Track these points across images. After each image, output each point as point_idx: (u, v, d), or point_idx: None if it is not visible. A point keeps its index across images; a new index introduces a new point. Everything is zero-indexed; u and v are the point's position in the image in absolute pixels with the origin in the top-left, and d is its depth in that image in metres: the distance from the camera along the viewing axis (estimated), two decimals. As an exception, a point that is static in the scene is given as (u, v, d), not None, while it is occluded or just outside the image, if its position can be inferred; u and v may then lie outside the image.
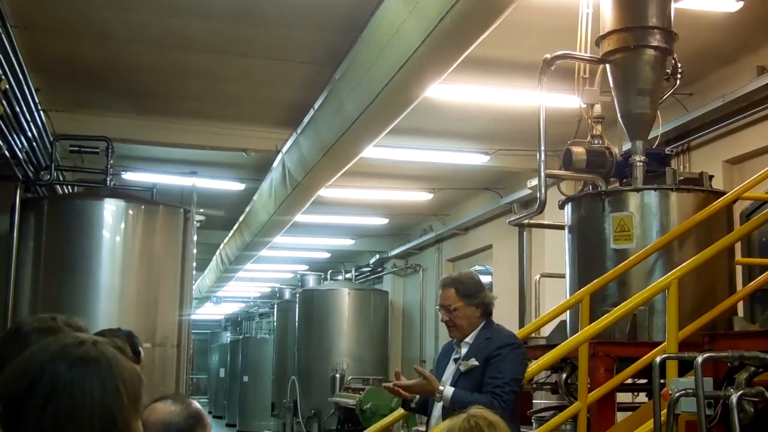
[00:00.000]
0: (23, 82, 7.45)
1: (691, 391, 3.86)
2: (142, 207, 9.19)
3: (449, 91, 8.63)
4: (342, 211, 15.61)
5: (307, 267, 22.24)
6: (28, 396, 1.59)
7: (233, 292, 26.74)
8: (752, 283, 6.26)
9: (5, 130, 7.39)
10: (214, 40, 8.17)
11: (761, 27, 7.15)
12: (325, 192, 11.49)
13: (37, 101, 8.30)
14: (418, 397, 4.67)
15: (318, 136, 9.28)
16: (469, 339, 4.57)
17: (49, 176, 9.24)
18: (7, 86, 6.92)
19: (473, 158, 11.57)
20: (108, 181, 9.34)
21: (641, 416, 5.28)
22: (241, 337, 27.39)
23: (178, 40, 8.14)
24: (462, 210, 15.30)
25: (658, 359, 4.28)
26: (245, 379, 23.58)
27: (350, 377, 14.99)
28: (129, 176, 11.58)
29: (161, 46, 8.33)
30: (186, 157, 11.95)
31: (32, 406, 1.58)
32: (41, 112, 8.66)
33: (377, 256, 19.72)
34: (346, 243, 19.41)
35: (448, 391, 4.38)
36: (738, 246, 6.99)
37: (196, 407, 2.77)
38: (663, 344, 5.15)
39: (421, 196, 14.36)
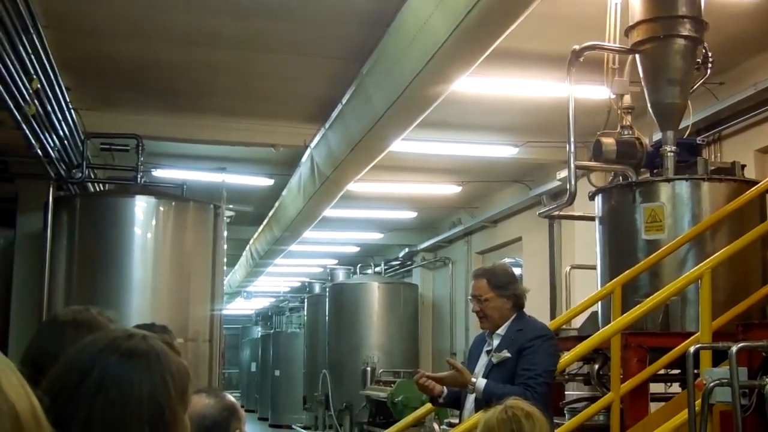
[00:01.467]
0: (54, 82, 7.53)
1: (726, 380, 3.85)
2: (173, 203, 9.27)
3: (477, 84, 8.61)
4: (370, 205, 15.63)
5: (336, 261, 22.30)
6: (78, 387, 1.63)
7: (263, 287, 26.85)
8: (786, 272, 6.23)
9: (37, 129, 7.48)
10: (241, 37, 8.21)
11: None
12: (353, 186, 11.51)
13: (68, 100, 8.39)
14: (446, 391, 4.67)
15: (346, 130, 9.31)
16: (501, 331, 4.59)
17: (80, 174, 9.35)
18: (39, 86, 7.00)
19: (502, 150, 11.55)
20: (139, 178, 9.42)
21: (675, 406, 5.27)
22: (272, 331, 27.50)
23: (206, 37, 8.19)
24: (491, 202, 15.27)
25: (692, 349, 4.27)
26: (276, 373, 23.68)
27: (381, 370, 15.02)
28: (159, 173, 11.66)
29: (190, 44, 8.38)
30: (215, 154, 12.02)
31: (83, 396, 1.62)
32: (72, 111, 8.75)
33: (406, 250, 19.72)
34: (375, 237, 19.43)
35: (481, 382, 4.40)
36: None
37: (230, 400, 2.81)
38: (696, 334, 5.14)
39: (449, 189, 14.34)
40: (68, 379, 1.66)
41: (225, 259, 9.98)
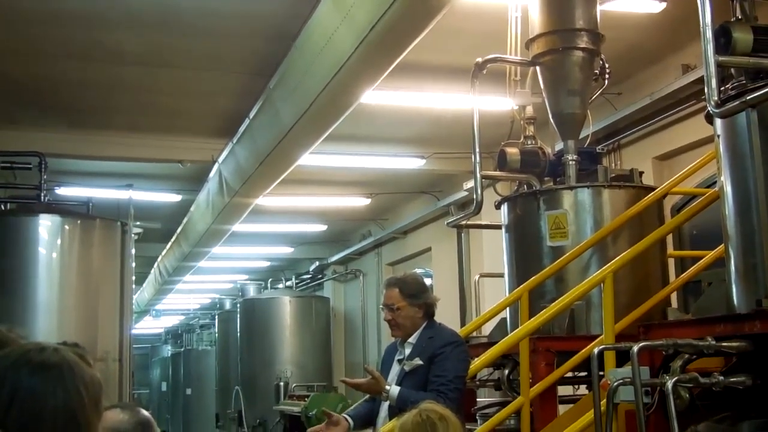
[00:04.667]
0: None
1: (629, 380, 3.96)
2: (78, 222, 9.06)
3: (383, 96, 8.69)
4: (280, 219, 15.58)
5: (246, 276, 22.10)
6: None
7: (173, 304, 26.44)
8: (684, 274, 6.46)
9: (-66, 148, 7.25)
10: (144, 52, 8.12)
11: (684, 26, 7.34)
12: (262, 200, 11.47)
13: (-35, 118, 8.16)
14: (351, 424, 4.60)
15: (254, 145, 9.28)
16: (412, 339, 4.64)
17: (-20, 194, 9.08)
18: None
19: (409, 162, 11.66)
20: (42, 197, 9.18)
21: (582, 408, 5.39)
22: (182, 349, 27.07)
23: (108, 53, 8.07)
24: (400, 214, 15.39)
25: (595, 350, 4.39)
26: (188, 391, 23.31)
27: (294, 385, 14.94)
28: (63, 191, 11.40)
29: (91, 60, 8.25)
30: (121, 170, 11.83)
31: None
32: (-30, 129, 8.51)
33: (317, 263, 19.70)
34: (286, 251, 19.36)
35: (395, 390, 4.44)
36: (670, 239, 7.19)
37: (145, 415, 2.79)
38: (601, 337, 5.29)
39: (358, 202, 14.41)
40: None
41: (133, 277, 9.81)
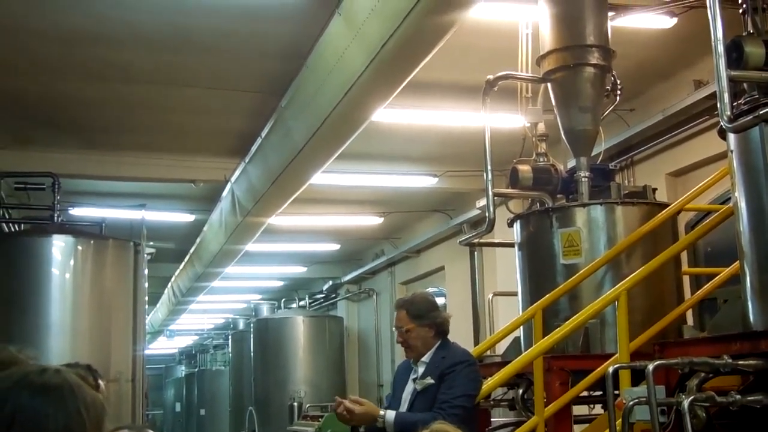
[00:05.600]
0: (-36, 120, 7.36)
1: (644, 399, 3.91)
2: (91, 242, 9.07)
3: (395, 114, 8.69)
4: (293, 238, 15.58)
5: (260, 296, 22.11)
6: None
7: (186, 324, 26.45)
8: (699, 291, 6.39)
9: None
10: (157, 72, 8.15)
11: (695, 41, 7.33)
12: (275, 220, 11.47)
13: (-21, 139, 8.20)
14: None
15: (266, 164, 9.28)
16: (425, 358, 4.60)
17: (-6, 214, 9.12)
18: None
19: (421, 181, 11.65)
20: (55, 217, 9.20)
21: (597, 428, 5.35)
22: (196, 370, 27.06)
23: (121, 72, 8.11)
24: (413, 233, 15.37)
25: (610, 369, 4.34)
26: (202, 412, 23.29)
27: (308, 405, 14.88)
28: (77, 212, 11.44)
29: (105, 80, 8.29)
30: (134, 191, 11.86)
31: None
32: (-16, 150, 8.55)
33: (330, 283, 19.68)
34: (299, 270, 19.35)
35: (390, 415, 4.38)
36: (684, 256, 7.14)
37: None
38: (615, 355, 5.23)
39: (371, 221, 14.39)
40: None
41: (146, 298, 9.80)
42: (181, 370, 32.10)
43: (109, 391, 8.59)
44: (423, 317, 4.59)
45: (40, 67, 7.95)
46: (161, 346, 30.73)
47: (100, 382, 3.27)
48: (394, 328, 4.73)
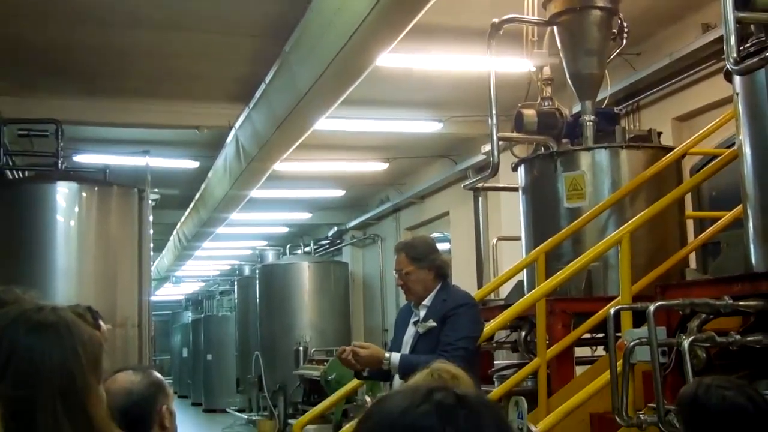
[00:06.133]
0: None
1: (645, 340, 3.96)
2: (96, 188, 9.11)
3: (399, 59, 8.64)
4: (298, 184, 15.59)
5: (265, 242, 22.19)
6: None
7: (192, 271, 26.60)
8: (702, 235, 6.43)
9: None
10: (160, 17, 8.09)
11: (704, -16, 7.27)
12: (280, 166, 11.47)
13: (-19, 85, 8.19)
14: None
15: (270, 110, 9.26)
16: (426, 302, 4.62)
17: (-2, 161, 9.15)
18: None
19: (427, 126, 11.62)
20: (59, 164, 9.23)
21: (599, 369, 5.41)
22: (202, 316, 27.28)
23: (123, 17, 8.05)
24: (418, 178, 15.37)
25: (612, 311, 4.39)
26: (209, 357, 23.51)
27: (314, 349, 15.03)
28: (81, 158, 11.44)
29: (107, 25, 8.23)
30: (138, 137, 11.83)
31: None
32: (-13, 97, 8.55)
33: (335, 229, 19.73)
34: (304, 216, 19.39)
35: (395, 357, 4.42)
36: (689, 200, 7.16)
37: (156, 376, 2.83)
38: (617, 298, 5.28)
39: (376, 167, 14.39)
40: None
41: (152, 244, 9.86)
42: (188, 316, 32.35)
43: (115, 335, 8.71)
44: (422, 260, 4.60)
45: (43, 13, 7.89)
46: (168, 293, 30.94)
47: (101, 323, 3.31)
48: (394, 271, 4.74)
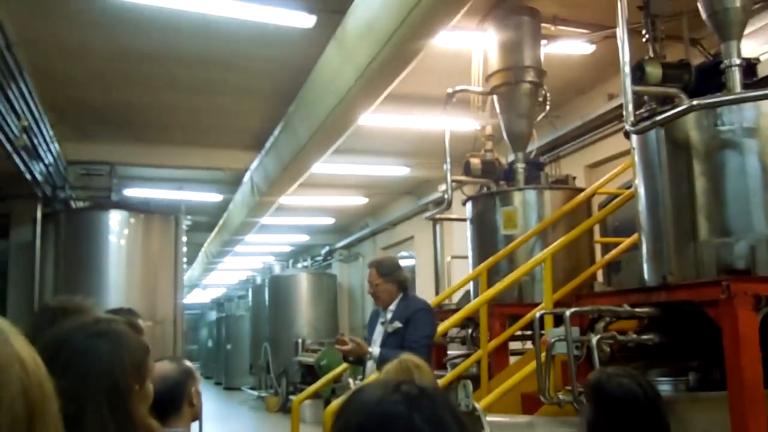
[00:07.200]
0: (39, 120, 7.26)
1: (563, 337, 3.93)
2: (141, 216, 9.04)
3: (377, 119, 8.63)
4: (298, 213, 15.52)
5: (273, 258, 22.04)
6: (53, 360, 1.58)
7: (216, 280, 26.38)
8: (607, 256, 6.40)
9: (26, 158, 7.20)
10: (194, 83, 8.07)
11: (609, 63, 7.25)
12: (284, 199, 11.41)
13: (51, 134, 8.09)
14: None
15: (278, 156, 9.22)
16: (392, 307, 4.57)
17: (63, 194, 9.05)
18: (27, 123, 6.74)
19: (397, 170, 11.62)
20: (112, 197, 9.14)
21: (527, 359, 5.38)
22: (224, 315, 27.01)
23: (166, 83, 8.02)
24: (390, 210, 15.33)
25: (537, 314, 4.35)
26: (228, 347, 23.27)
27: (309, 341, 14.93)
28: (129, 192, 11.34)
29: (152, 88, 8.19)
30: (175, 176, 11.74)
31: (55, 368, 1.57)
32: (55, 143, 8.44)
33: (327, 248, 19.63)
34: (303, 238, 19.30)
35: (376, 351, 4.39)
36: (597, 229, 7.16)
37: (187, 364, 2.79)
38: (542, 304, 5.25)
39: (358, 201, 14.36)
40: (45, 354, 1.61)
41: (185, 259, 9.77)
42: (213, 315, 32.00)
43: (155, 331, 8.60)
44: (388, 275, 4.56)
45: (102, 79, 7.84)
46: (198, 297, 30.64)
47: (140, 321, 3.24)
48: (366, 282, 4.70)
